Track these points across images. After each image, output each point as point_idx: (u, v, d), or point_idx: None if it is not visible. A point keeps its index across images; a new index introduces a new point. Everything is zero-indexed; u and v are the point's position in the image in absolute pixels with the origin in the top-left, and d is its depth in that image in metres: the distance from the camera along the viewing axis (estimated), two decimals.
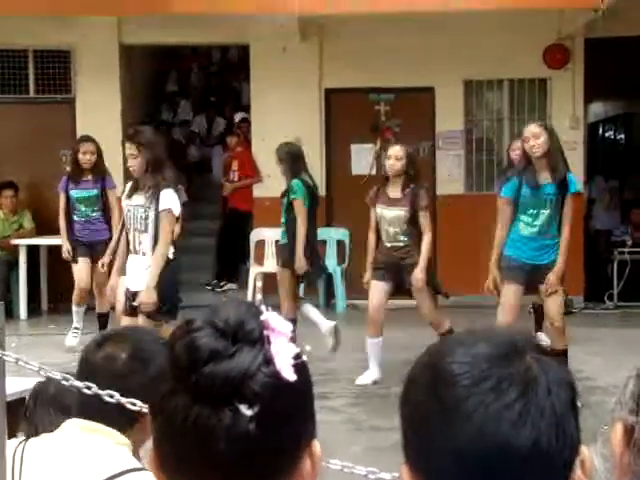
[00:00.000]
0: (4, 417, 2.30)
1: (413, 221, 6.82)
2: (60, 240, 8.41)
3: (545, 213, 6.26)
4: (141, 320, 5.62)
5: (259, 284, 10.39)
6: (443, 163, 11.03)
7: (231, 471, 0.98)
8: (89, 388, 2.09)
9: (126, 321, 5.69)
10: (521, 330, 1.11)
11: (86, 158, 8.07)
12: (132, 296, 5.70)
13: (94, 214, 8.23)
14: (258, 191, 11.12)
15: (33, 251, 10.04)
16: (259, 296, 10.13)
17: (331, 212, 11.13)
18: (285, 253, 7.59)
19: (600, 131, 18.06)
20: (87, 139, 8.26)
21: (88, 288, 8.30)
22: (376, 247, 6.95)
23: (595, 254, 11.11)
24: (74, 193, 8.22)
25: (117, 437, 2.11)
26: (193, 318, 1.03)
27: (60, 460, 2.08)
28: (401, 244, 6.84)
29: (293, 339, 1.03)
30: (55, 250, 8.92)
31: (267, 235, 10.81)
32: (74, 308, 8.37)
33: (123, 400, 2.07)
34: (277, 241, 7.85)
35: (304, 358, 1.03)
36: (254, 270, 10.64)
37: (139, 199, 5.75)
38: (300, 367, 1.01)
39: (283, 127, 10.80)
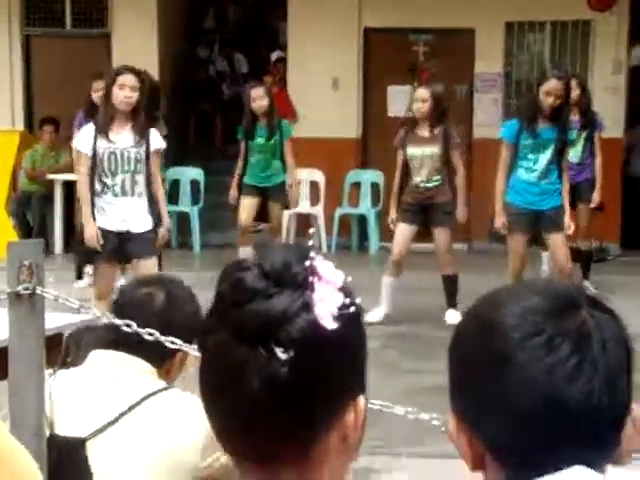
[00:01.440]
0: (43, 351, 2.34)
1: (445, 160, 6.94)
2: None
3: (545, 158, 6.32)
4: (142, 265, 5.50)
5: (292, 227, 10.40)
6: (480, 106, 10.89)
7: (263, 412, 0.98)
8: (129, 326, 2.12)
9: (109, 268, 5.60)
10: (576, 283, 1.09)
11: (97, 95, 7.96)
12: (129, 238, 5.53)
13: None
14: (293, 131, 11.06)
15: (69, 186, 10.10)
16: (309, 241, 10.15)
17: (366, 154, 11.06)
18: (283, 193, 8.08)
19: None
20: (97, 75, 8.07)
21: None
22: (401, 189, 7.05)
23: (633, 201, 10.97)
24: None
25: (142, 366, 2.15)
26: (244, 258, 1.03)
27: (88, 389, 2.13)
28: (435, 184, 6.93)
29: (344, 289, 1.01)
30: None
31: (303, 176, 10.77)
32: None
33: (162, 338, 2.10)
34: (282, 183, 8.14)
35: (352, 310, 1.00)
36: (288, 211, 10.64)
37: (127, 140, 5.52)
38: (346, 318, 0.99)
39: (320, 66, 10.71)
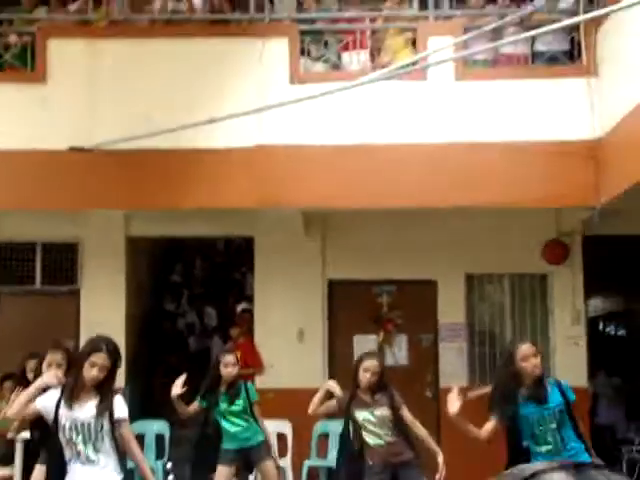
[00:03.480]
0: None
1: (396, 419, 6.99)
2: None
3: (552, 428, 6.04)
4: None
5: None
6: (445, 355, 11.00)
7: None
8: None
9: None
10: None
11: (31, 376, 7.56)
12: None
13: None
14: (261, 382, 11.03)
15: (29, 444, 9.81)
16: None
17: None
18: (269, 450, 8.24)
19: (601, 326, 18.12)
20: (31, 355, 7.77)
21: None
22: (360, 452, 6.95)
23: (600, 450, 10.84)
24: None
25: None
26: None
27: None
28: (393, 439, 6.94)
29: None
30: None
31: (269, 427, 10.60)
32: None
33: None
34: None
35: None
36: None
37: (88, 409, 5.58)
38: None
39: (286, 317, 10.86)
